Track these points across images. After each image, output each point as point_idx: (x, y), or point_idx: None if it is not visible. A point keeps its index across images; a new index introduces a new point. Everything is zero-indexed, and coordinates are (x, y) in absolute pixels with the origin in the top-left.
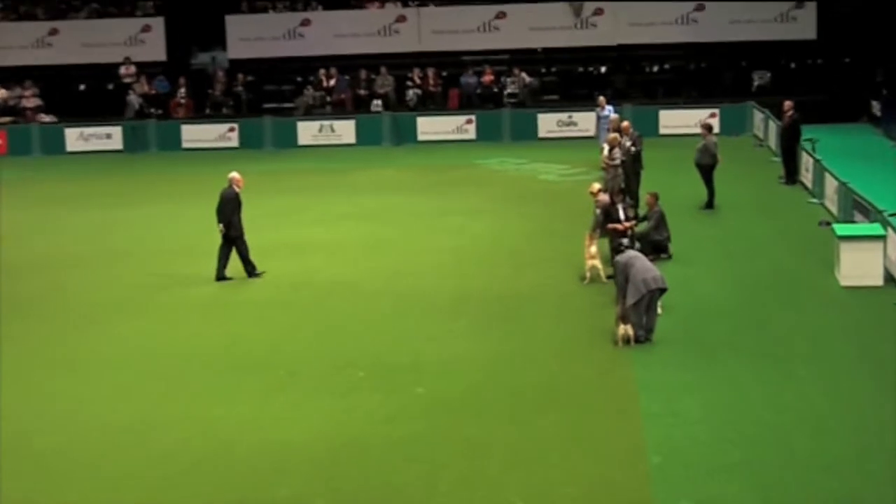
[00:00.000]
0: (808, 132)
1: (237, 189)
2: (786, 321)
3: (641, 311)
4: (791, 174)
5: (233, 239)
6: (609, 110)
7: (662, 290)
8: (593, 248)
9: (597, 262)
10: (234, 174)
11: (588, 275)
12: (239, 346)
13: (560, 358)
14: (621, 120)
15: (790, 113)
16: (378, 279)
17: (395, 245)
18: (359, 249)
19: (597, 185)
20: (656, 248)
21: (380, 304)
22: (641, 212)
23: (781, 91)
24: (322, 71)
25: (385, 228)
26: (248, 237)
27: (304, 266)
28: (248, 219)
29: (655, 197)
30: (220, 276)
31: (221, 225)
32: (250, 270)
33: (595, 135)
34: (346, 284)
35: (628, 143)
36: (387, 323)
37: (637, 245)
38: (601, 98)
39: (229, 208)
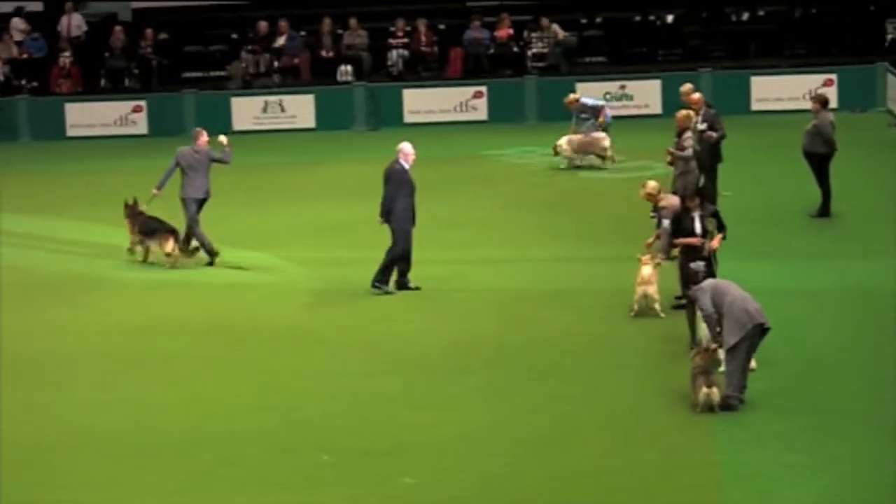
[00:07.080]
0: None
1: (406, 164)
2: None
3: (742, 358)
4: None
5: (392, 231)
6: None
7: (764, 331)
8: (647, 270)
9: (651, 290)
10: (404, 144)
11: (636, 306)
12: (147, 421)
13: (611, 434)
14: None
15: None
16: (343, 325)
17: (368, 274)
18: (315, 281)
19: (652, 184)
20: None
21: (346, 360)
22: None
23: None
24: (264, 24)
25: (353, 251)
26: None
27: (237, 305)
28: None
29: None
30: (402, 285)
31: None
32: (383, 279)
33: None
34: (297, 332)
35: (702, 126)
36: (357, 387)
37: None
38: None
39: (393, 190)
